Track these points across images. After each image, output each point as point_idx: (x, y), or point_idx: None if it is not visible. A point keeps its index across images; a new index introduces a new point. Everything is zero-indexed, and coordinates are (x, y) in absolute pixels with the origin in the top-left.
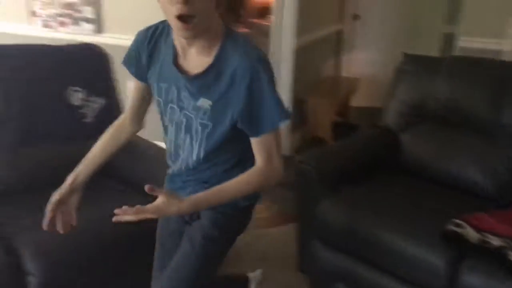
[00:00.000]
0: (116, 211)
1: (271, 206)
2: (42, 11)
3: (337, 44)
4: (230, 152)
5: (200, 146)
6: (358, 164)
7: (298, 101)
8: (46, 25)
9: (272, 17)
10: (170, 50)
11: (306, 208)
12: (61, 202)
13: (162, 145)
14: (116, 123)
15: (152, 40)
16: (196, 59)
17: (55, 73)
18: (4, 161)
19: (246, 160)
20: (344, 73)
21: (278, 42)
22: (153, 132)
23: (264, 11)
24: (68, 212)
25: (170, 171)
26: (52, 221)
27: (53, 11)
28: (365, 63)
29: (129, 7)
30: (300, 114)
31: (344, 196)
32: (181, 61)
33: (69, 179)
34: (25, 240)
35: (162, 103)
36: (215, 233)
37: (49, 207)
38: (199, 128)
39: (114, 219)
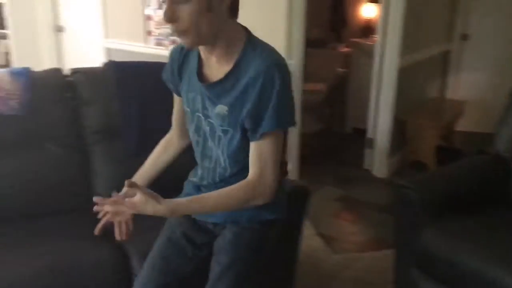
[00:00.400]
0: (95, 199)
1: (365, 230)
2: (156, 30)
3: (443, 65)
4: None
5: (223, 153)
6: (464, 192)
7: (399, 122)
8: (158, 43)
9: (376, 36)
10: (196, 60)
11: (405, 235)
12: (115, 211)
13: None
14: (165, 138)
15: (183, 53)
16: (216, 67)
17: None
18: (120, 172)
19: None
20: (449, 95)
21: (381, 61)
22: None
23: (368, 30)
24: (124, 221)
25: (196, 179)
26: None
27: (165, 30)
28: (473, 85)
29: None
30: (400, 136)
31: (449, 225)
32: (205, 70)
33: (124, 190)
34: (134, 242)
35: (190, 113)
36: (240, 251)
37: (97, 208)
38: (221, 134)
39: (94, 208)
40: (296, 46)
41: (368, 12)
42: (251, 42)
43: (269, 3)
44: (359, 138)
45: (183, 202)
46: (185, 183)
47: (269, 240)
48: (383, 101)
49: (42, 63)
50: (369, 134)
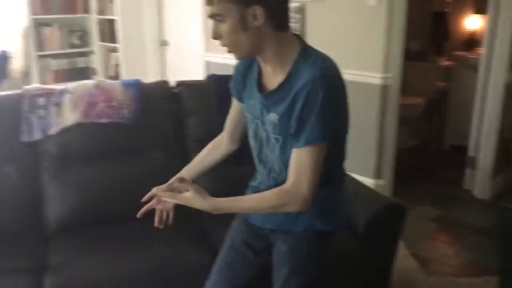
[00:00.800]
0: (154, 189)
1: (461, 253)
2: None
3: None
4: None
5: (277, 159)
6: None
7: (504, 141)
8: None
9: (481, 49)
10: (256, 70)
11: (510, 261)
12: (158, 198)
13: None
14: (215, 140)
15: (247, 64)
16: (272, 77)
17: None
18: (219, 179)
19: (335, 180)
20: None
21: (486, 76)
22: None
23: (472, 43)
24: (166, 211)
25: (255, 183)
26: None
27: None
28: None
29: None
30: (504, 156)
31: None
32: (263, 79)
33: (171, 181)
34: (218, 232)
35: (250, 119)
36: (298, 261)
37: (144, 199)
38: (275, 141)
39: (151, 193)
40: (394, 59)
41: (472, 23)
42: (304, 52)
43: (367, 16)
44: (458, 155)
45: (224, 201)
46: (246, 190)
47: (326, 251)
48: (487, 118)
49: (147, 74)
50: (471, 153)
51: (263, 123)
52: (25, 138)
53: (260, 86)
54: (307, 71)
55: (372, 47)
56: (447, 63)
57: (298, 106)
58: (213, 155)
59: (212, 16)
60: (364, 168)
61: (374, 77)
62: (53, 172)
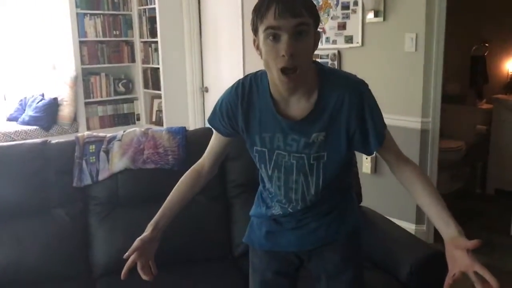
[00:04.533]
0: (137, 242)
1: None
2: None
3: None
4: (343, 180)
5: (318, 179)
6: None
7: None
8: None
9: None
10: (268, 101)
11: None
12: (141, 250)
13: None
14: (194, 170)
15: (245, 97)
16: (298, 105)
17: None
18: None
19: (349, 181)
20: None
21: None
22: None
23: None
24: (147, 261)
25: (271, 213)
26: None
27: None
28: None
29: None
30: None
31: None
32: (282, 108)
33: (150, 228)
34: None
35: (267, 152)
36: (354, 262)
37: (128, 253)
38: (314, 162)
39: (134, 247)
40: (433, 103)
41: None
42: (322, 71)
43: (405, 61)
44: (503, 200)
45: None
46: (252, 224)
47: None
48: None
49: (188, 120)
50: None
51: (290, 152)
52: (76, 183)
53: (282, 116)
54: (342, 86)
55: (410, 92)
56: (486, 106)
57: (354, 118)
58: (194, 187)
59: (297, 26)
60: (405, 213)
61: (413, 122)
62: (100, 216)
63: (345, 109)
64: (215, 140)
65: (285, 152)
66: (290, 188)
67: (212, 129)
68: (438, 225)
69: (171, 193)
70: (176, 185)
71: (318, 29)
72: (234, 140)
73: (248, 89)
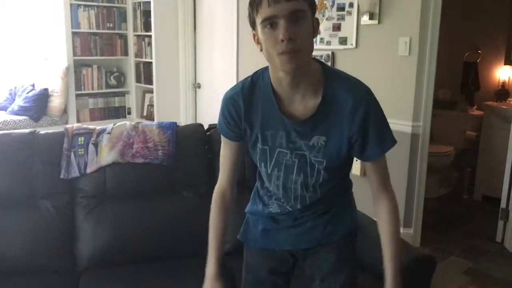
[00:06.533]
0: None
1: None
2: None
3: None
4: (342, 180)
5: (317, 180)
6: None
7: None
8: None
9: None
10: (270, 96)
11: None
12: None
13: None
14: (218, 199)
15: (246, 97)
16: (302, 103)
17: None
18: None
19: (349, 181)
20: None
21: None
22: None
23: (503, 93)
24: None
25: (268, 211)
26: None
27: None
28: None
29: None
30: None
31: None
32: (286, 106)
33: (210, 271)
34: None
35: (268, 150)
36: (348, 261)
37: None
38: (315, 164)
39: None
40: (424, 108)
41: (503, 74)
42: (329, 72)
43: (398, 65)
44: (489, 206)
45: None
46: (248, 221)
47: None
48: None
49: (179, 115)
50: (503, 204)
51: (292, 149)
52: (64, 175)
53: (285, 115)
54: (348, 90)
55: (402, 96)
56: (477, 112)
57: (357, 126)
58: (226, 218)
59: (293, 12)
60: None
61: (404, 125)
62: (87, 209)
63: (349, 116)
64: (226, 149)
65: (288, 150)
66: (289, 188)
67: (221, 138)
68: (383, 266)
69: (211, 233)
70: (211, 223)
71: None
72: (244, 146)
73: (249, 90)
